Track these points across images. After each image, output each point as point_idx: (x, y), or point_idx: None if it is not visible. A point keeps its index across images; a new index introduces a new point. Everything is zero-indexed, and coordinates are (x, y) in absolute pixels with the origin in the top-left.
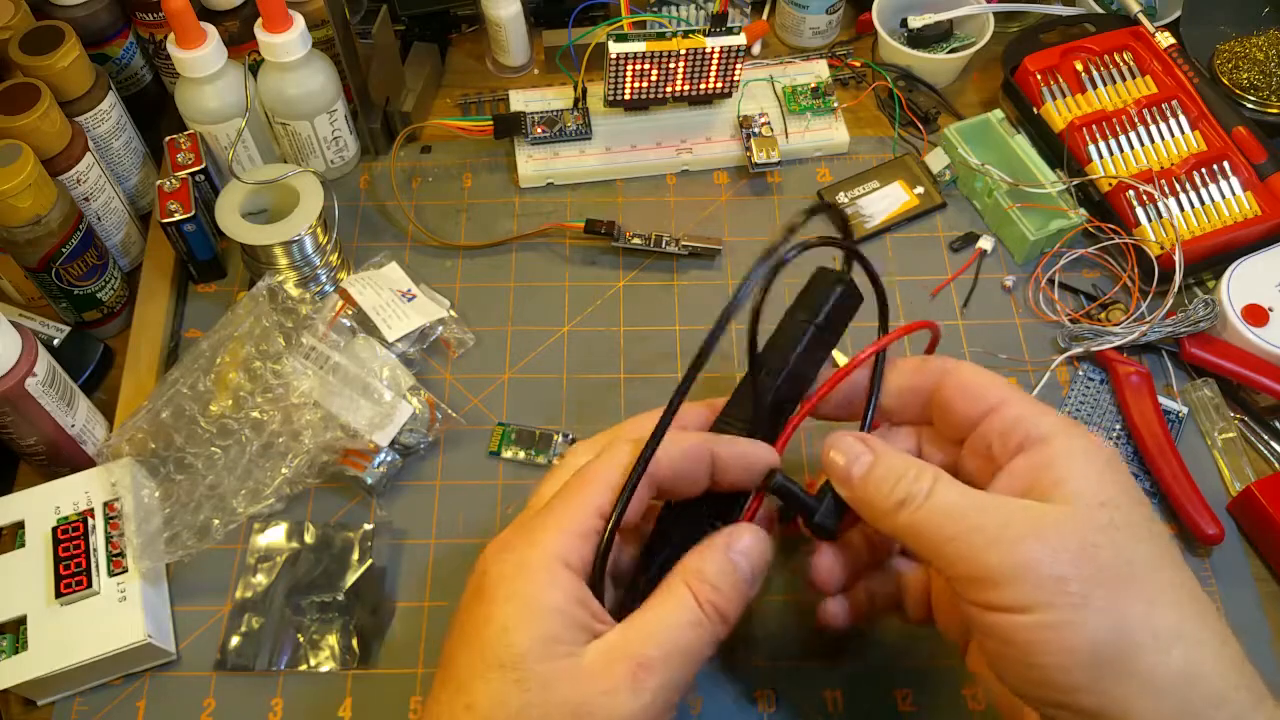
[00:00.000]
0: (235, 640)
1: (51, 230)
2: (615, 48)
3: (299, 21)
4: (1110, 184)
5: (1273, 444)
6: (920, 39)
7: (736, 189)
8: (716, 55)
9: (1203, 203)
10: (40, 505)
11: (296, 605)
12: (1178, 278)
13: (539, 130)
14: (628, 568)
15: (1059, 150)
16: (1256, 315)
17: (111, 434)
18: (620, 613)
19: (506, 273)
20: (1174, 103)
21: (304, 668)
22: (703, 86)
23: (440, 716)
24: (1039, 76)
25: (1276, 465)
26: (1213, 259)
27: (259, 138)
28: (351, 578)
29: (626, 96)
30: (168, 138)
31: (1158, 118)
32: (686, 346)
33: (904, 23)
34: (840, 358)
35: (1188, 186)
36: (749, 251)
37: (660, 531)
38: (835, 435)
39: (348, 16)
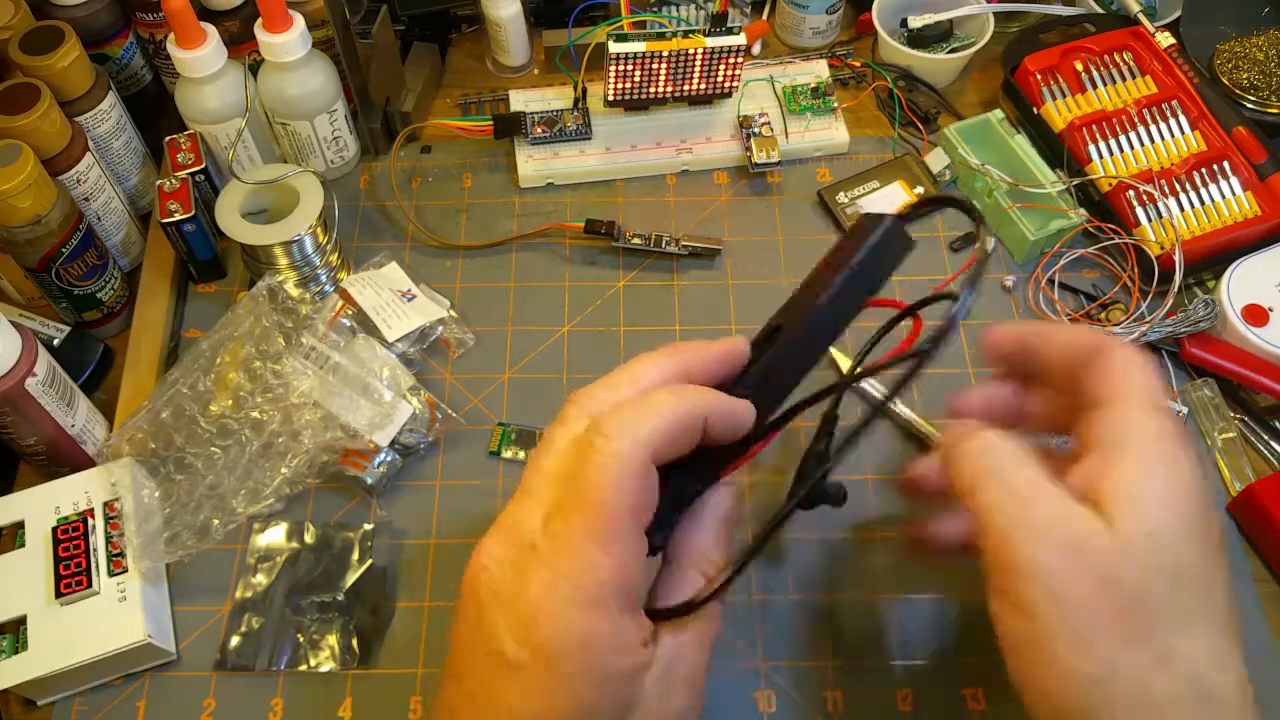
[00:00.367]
0: (235, 640)
1: (51, 230)
2: (615, 48)
3: (299, 21)
4: (1110, 184)
5: (1273, 444)
6: (920, 39)
7: (736, 189)
8: (716, 55)
9: (1203, 203)
10: (40, 505)
11: (296, 605)
12: (1178, 278)
13: (539, 130)
14: None
15: (1059, 150)
16: (1256, 315)
17: (111, 434)
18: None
19: (506, 273)
20: (1174, 103)
21: (304, 668)
22: (703, 86)
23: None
24: (1039, 76)
25: (1276, 465)
26: (1213, 259)
27: (259, 138)
28: (351, 578)
29: (626, 96)
30: (168, 138)
31: (1158, 118)
32: None
33: (904, 23)
34: (841, 359)
35: (1188, 186)
36: (749, 251)
37: None
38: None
39: (348, 16)
